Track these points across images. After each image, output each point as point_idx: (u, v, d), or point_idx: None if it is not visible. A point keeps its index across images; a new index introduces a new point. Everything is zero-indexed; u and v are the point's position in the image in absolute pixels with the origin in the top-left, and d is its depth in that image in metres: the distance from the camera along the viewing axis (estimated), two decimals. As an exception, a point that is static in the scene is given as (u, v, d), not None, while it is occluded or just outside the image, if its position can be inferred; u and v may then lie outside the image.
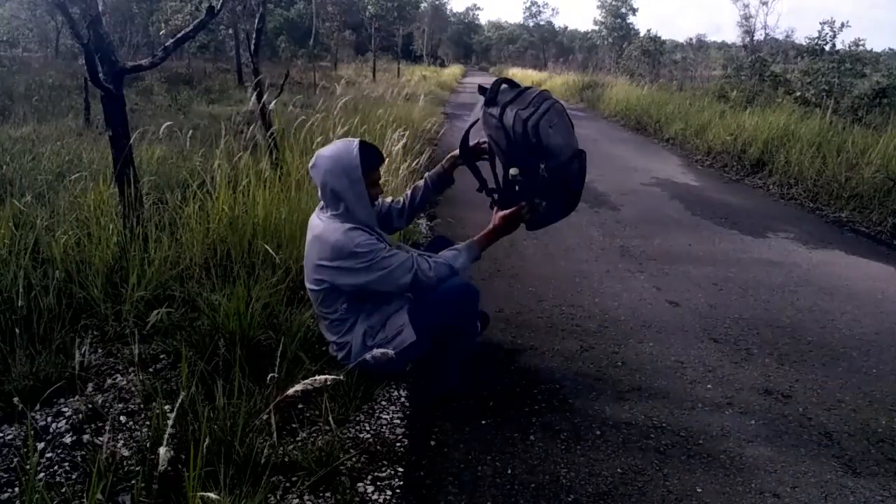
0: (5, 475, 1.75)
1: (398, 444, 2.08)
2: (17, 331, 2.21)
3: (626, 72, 18.35)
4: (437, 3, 44.21)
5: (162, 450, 1.30)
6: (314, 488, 1.80)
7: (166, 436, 1.35)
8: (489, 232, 2.37)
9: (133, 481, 1.69)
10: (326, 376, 1.51)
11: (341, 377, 1.64)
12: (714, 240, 4.77)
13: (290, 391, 1.53)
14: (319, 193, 2.26)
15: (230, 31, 17.98)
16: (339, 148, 2.25)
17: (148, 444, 1.84)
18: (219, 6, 3.31)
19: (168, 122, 3.53)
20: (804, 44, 10.79)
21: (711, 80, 14.72)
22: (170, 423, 1.38)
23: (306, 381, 1.51)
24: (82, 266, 2.71)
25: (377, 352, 2.12)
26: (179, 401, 1.51)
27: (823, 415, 2.41)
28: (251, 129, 4.24)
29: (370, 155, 2.25)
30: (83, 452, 1.85)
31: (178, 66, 16.87)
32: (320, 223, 2.27)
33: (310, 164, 2.26)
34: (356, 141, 2.26)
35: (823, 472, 2.07)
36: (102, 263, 2.73)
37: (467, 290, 2.34)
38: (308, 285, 2.32)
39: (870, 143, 6.40)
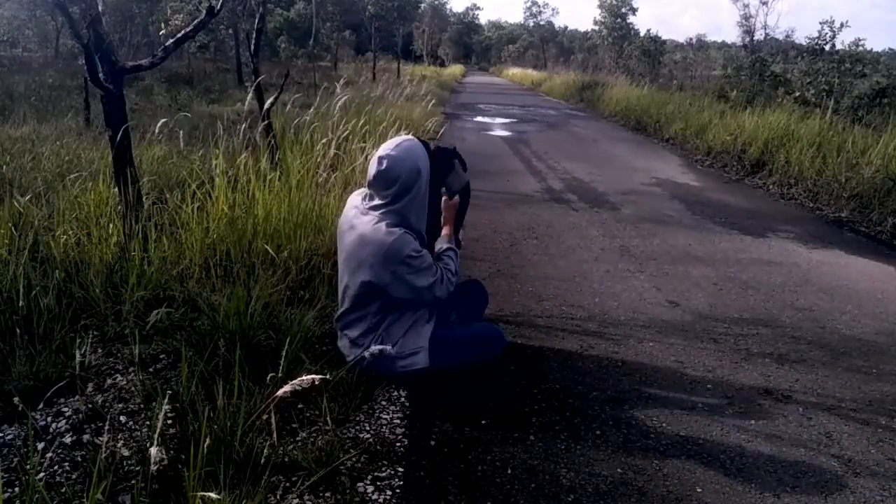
0: (5, 475, 1.74)
1: (398, 444, 2.08)
2: (17, 330, 2.21)
3: (626, 72, 18.33)
4: (437, 3, 44.18)
5: (153, 450, 1.30)
6: (314, 488, 1.80)
7: (156, 435, 1.35)
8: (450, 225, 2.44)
9: (133, 481, 1.69)
10: (314, 376, 1.52)
11: (328, 376, 1.64)
12: (714, 240, 4.76)
13: (280, 392, 1.53)
14: (379, 186, 2.22)
15: (230, 31, 17.99)
16: (408, 143, 2.26)
17: (148, 444, 1.84)
18: (219, 6, 3.31)
19: (164, 119, 3.51)
20: (804, 44, 10.78)
21: (711, 80, 14.71)
22: (159, 422, 1.37)
23: (294, 381, 1.51)
24: (82, 266, 2.71)
25: (375, 348, 2.13)
26: (166, 399, 1.51)
27: (823, 415, 2.41)
28: (250, 128, 4.23)
29: (430, 153, 2.31)
30: (83, 452, 1.85)
31: (178, 66, 16.87)
32: (364, 220, 2.24)
33: (376, 163, 2.21)
34: (415, 138, 2.30)
35: (823, 472, 2.07)
36: (102, 263, 2.73)
37: (495, 340, 2.44)
38: (347, 281, 2.32)
39: (870, 143, 6.40)
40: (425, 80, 15.08)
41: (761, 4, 16.61)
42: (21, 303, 2.31)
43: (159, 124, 3.41)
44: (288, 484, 1.81)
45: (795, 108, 8.59)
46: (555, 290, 3.56)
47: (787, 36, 17.25)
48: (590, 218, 5.23)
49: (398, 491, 1.85)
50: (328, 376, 1.64)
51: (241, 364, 2.09)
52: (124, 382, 2.25)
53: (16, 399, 1.58)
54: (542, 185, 6.54)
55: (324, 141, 4.06)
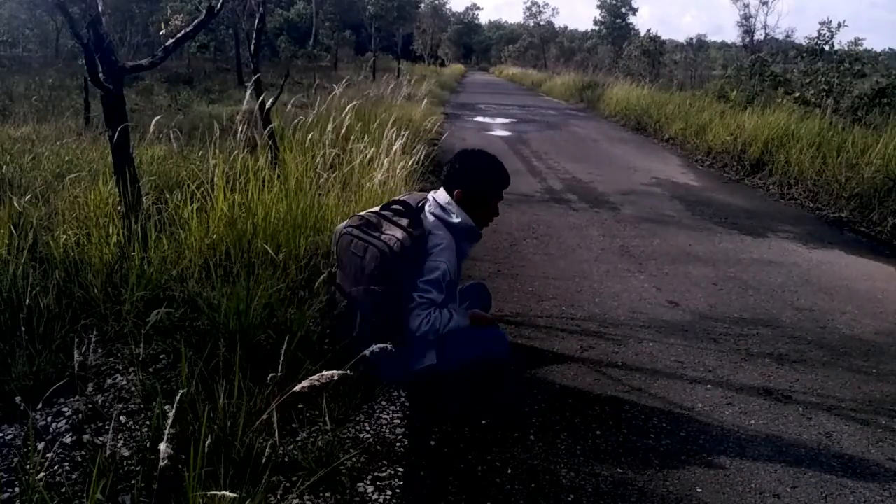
0: (5, 475, 1.75)
1: (398, 444, 2.08)
2: (22, 328, 2.21)
3: (626, 72, 18.33)
4: (437, 3, 44.17)
5: (162, 446, 1.30)
6: (314, 488, 1.80)
7: (167, 432, 1.34)
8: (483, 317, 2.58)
9: (133, 481, 1.69)
10: (334, 371, 1.51)
11: (348, 371, 1.64)
12: (714, 240, 4.77)
13: (297, 387, 1.52)
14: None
15: (230, 31, 18.00)
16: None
17: (148, 444, 1.84)
18: (219, 6, 3.31)
19: (158, 117, 3.51)
20: (804, 44, 10.78)
21: (711, 80, 14.71)
22: (170, 419, 1.37)
23: (313, 377, 1.50)
24: (82, 266, 2.70)
25: (376, 347, 2.13)
26: (178, 397, 1.50)
27: (823, 415, 2.41)
28: (250, 128, 4.23)
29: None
30: (83, 452, 1.85)
31: (178, 66, 16.89)
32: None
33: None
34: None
35: (823, 472, 2.07)
36: (102, 263, 2.73)
37: (498, 342, 2.47)
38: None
39: (870, 143, 6.40)
40: (425, 79, 15.09)
41: (761, 4, 16.66)
42: (26, 301, 2.31)
43: (153, 122, 3.40)
44: (288, 484, 1.81)
45: (795, 108, 8.59)
46: (555, 290, 3.56)
47: (787, 36, 17.30)
48: (590, 218, 5.23)
49: (398, 491, 1.86)
50: (347, 369, 1.64)
51: (241, 364, 2.09)
52: (124, 382, 2.25)
53: (18, 398, 1.58)
54: (542, 184, 6.54)
55: (322, 140, 4.06)
